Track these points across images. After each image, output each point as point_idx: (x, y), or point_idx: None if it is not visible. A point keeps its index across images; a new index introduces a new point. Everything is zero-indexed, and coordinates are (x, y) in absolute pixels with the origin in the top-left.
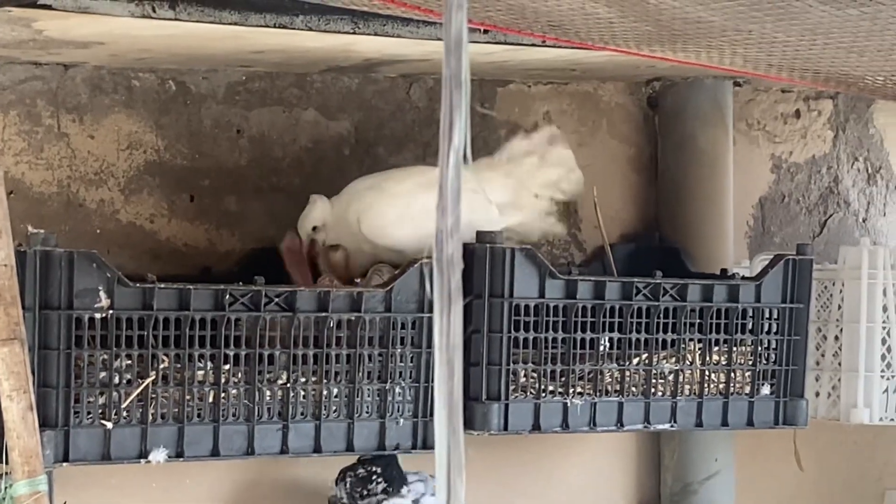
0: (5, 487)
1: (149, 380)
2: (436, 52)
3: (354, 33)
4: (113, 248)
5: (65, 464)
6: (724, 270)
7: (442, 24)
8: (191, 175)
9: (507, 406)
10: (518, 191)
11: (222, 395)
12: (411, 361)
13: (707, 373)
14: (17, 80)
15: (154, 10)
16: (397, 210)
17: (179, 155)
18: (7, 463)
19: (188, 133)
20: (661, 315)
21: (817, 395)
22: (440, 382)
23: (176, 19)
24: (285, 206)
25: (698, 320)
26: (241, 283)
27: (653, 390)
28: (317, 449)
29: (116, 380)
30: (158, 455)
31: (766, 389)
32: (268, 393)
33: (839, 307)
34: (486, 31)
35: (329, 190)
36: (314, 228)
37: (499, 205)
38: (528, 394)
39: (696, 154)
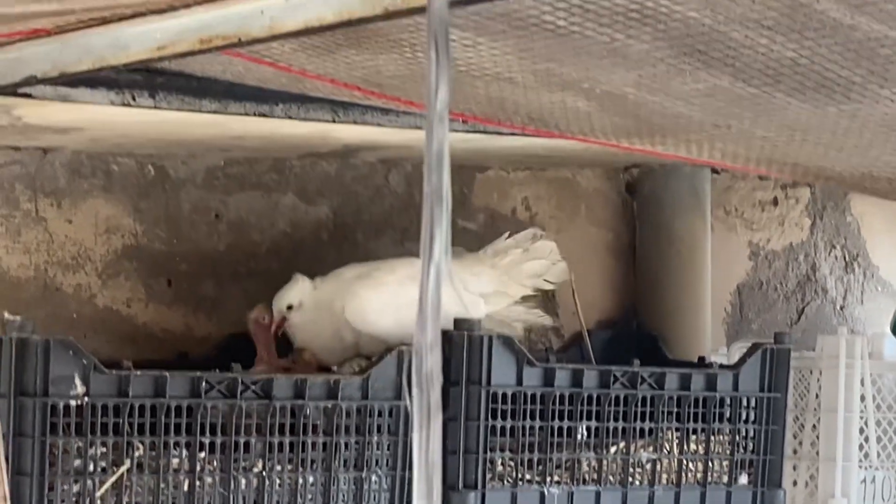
0: None
1: (123, 468)
2: (414, 138)
3: (334, 122)
4: (89, 332)
5: None
6: (701, 358)
7: (422, 113)
8: (169, 259)
9: (483, 495)
10: (504, 281)
11: (197, 483)
12: (388, 449)
13: (685, 462)
14: None
15: (134, 99)
16: (383, 299)
17: (157, 239)
18: None
19: (166, 217)
20: (639, 403)
21: (795, 484)
22: (419, 501)
23: (155, 107)
24: (263, 290)
25: (676, 409)
26: (217, 370)
27: (630, 479)
28: None
29: (91, 468)
30: None
31: (743, 479)
32: (243, 481)
33: (817, 396)
34: (465, 122)
35: (307, 274)
36: (289, 307)
37: (484, 294)
38: (506, 482)
39: (674, 241)
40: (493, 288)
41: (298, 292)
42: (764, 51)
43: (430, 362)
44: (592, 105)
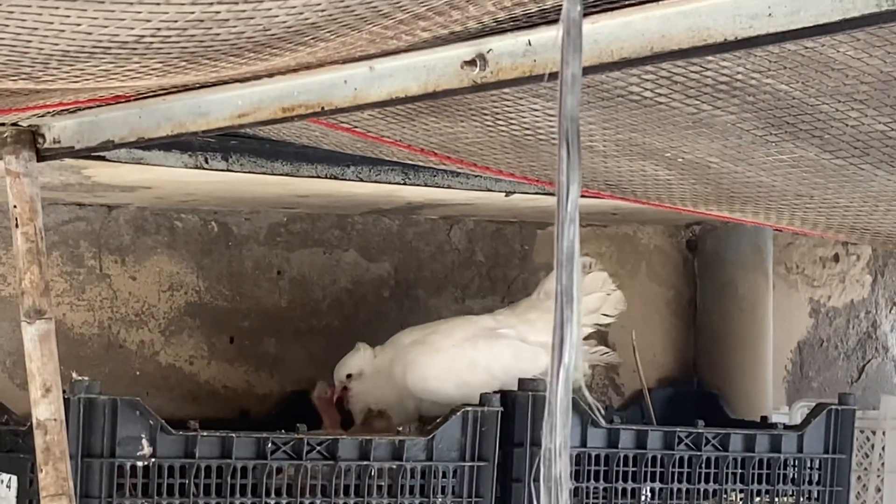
0: None
1: None
2: (478, 197)
3: (405, 184)
4: (152, 389)
5: None
6: (764, 418)
7: (497, 178)
8: (231, 316)
9: None
10: None
11: None
12: None
13: None
14: (60, 221)
15: (207, 161)
16: (442, 364)
17: (220, 296)
18: None
19: (229, 274)
20: (703, 465)
21: None
22: None
23: (228, 170)
24: (324, 348)
25: (740, 470)
26: (282, 430)
27: None
28: None
29: None
30: None
31: None
32: None
33: (880, 457)
34: (535, 184)
35: (368, 332)
36: (349, 376)
37: (544, 343)
38: None
39: (736, 299)
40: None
41: (359, 361)
42: (854, 123)
43: (559, 466)
44: (673, 173)
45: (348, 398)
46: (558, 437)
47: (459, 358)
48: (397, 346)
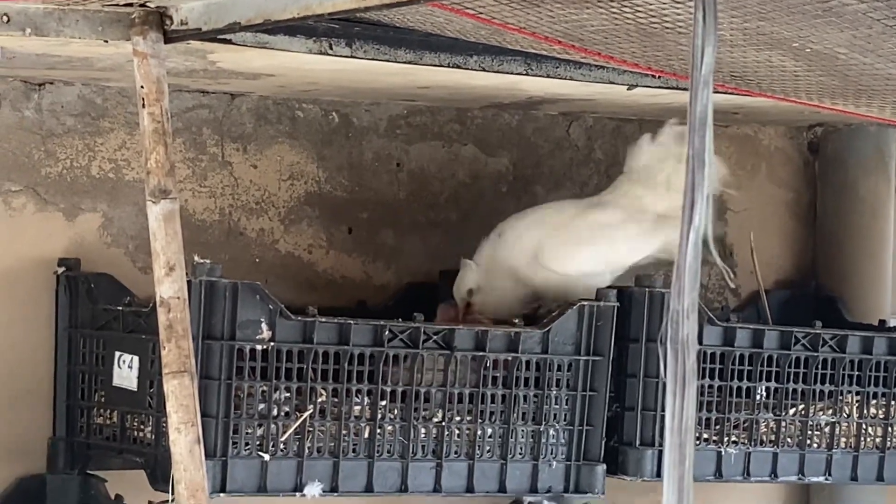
0: None
1: (307, 413)
2: (598, 92)
3: (527, 74)
4: (271, 277)
5: (221, 494)
6: (882, 322)
7: (620, 69)
8: (350, 207)
9: (660, 452)
10: (669, 196)
11: (378, 431)
12: (566, 404)
13: (864, 426)
14: (184, 107)
15: (331, 48)
16: (572, 236)
17: (339, 187)
18: (173, 493)
19: (349, 165)
20: (819, 366)
21: None
22: (670, 468)
23: (352, 56)
24: (442, 241)
25: (857, 372)
26: (399, 319)
27: (808, 442)
28: (469, 489)
29: (275, 412)
30: (314, 489)
31: None
32: (423, 431)
33: None
34: (658, 77)
35: (486, 226)
36: (469, 292)
37: (660, 215)
38: None
39: (857, 202)
40: (662, 207)
41: (473, 275)
42: None
43: (686, 328)
44: (800, 65)
45: (474, 312)
46: (686, 298)
47: (587, 233)
48: (511, 238)
